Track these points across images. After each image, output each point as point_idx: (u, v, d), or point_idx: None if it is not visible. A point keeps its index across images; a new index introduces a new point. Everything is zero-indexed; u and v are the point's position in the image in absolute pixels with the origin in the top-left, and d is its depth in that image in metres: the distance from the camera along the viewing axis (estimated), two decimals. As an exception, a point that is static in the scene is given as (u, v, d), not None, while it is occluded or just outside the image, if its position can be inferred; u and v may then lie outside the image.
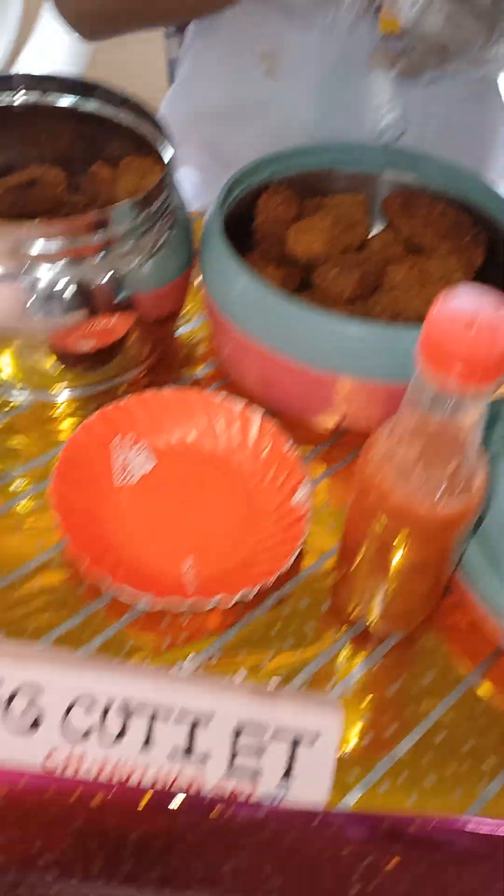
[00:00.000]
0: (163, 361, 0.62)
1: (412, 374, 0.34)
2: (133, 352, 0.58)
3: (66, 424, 0.58)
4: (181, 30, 0.80)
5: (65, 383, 0.58)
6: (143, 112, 0.57)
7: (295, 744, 0.40)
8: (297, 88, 0.70)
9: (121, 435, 0.54)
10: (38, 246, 0.49)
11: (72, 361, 0.56)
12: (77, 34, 0.65)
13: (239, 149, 0.64)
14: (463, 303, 0.29)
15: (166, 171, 0.53)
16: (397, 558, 0.41)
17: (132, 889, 0.44)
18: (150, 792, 0.42)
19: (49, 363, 0.56)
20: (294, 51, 0.67)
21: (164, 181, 0.52)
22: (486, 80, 0.64)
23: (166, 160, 0.54)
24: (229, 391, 0.56)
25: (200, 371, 0.62)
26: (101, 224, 0.50)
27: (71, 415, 0.58)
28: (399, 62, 0.55)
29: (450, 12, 0.51)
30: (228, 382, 0.60)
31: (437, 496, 0.36)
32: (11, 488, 0.54)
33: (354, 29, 0.62)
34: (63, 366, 0.56)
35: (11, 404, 0.58)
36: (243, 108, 0.70)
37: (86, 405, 0.59)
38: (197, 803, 0.42)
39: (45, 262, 0.50)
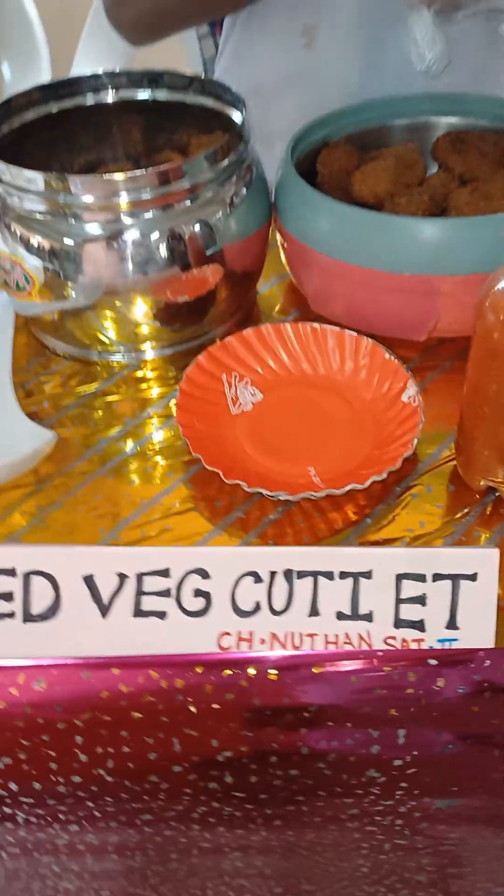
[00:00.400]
0: (248, 319, 0.66)
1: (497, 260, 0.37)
2: (223, 306, 0.62)
3: (171, 375, 0.62)
4: (214, 31, 0.87)
5: (162, 342, 0.62)
6: (210, 87, 0.63)
7: (455, 587, 0.42)
8: (337, 55, 0.75)
9: (228, 371, 0.57)
10: (130, 195, 0.54)
11: (168, 318, 0.60)
12: (126, 40, 0.72)
13: (281, 124, 0.69)
14: None
15: (241, 125, 0.58)
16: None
17: (309, 769, 0.45)
18: (320, 666, 0.44)
19: (148, 321, 0.60)
20: (332, 17, 0.73)
21: (241, 135, 0.57)
22: None
23: (239, 121, 0.59)
24: (320, 325, 0.60)
25: (285, 320, 0.65)
26: (185, 171, 0.54)
27: (166, 376, 0.62)
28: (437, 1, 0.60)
29: None
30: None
31: None
32: (133, 437, 0.57)
33: None
34: (160, 323, 0.60)
35: (119, 363, 0.62)
36: (284, 84, 0.76)
37: (183, 360, 0.62)
38: (367, 667, 0.43)
39: (137, 212, 0.54)
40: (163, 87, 0.66)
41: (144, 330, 0.60)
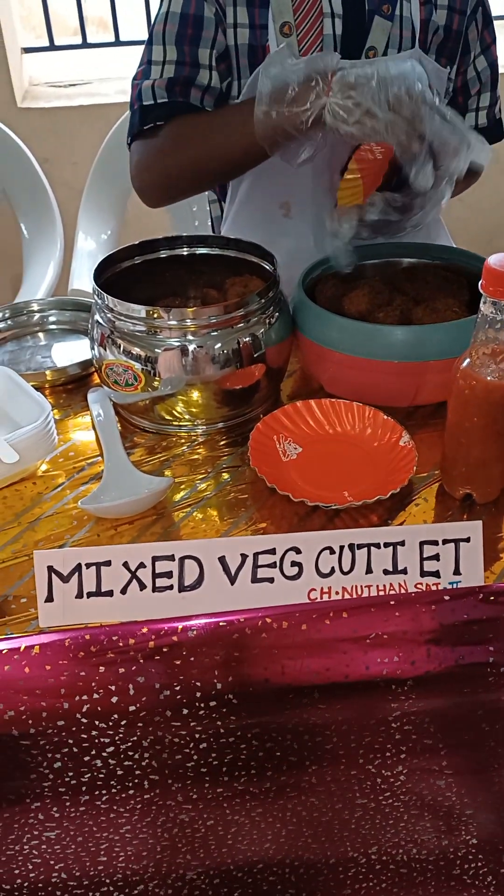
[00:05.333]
0: (277, 401, 0.92)
1: (454, 352, 0.65)
2: (263, 392, 0.88)
3: (227, 441, 0.86)
4: (220, 198, 1.18)
5: (220, 418, 0.87)
6: (242, 246, 0.91)
7: (457, 546, 0.66)
8: (306, 224, 1.07)
9: (277, 433, 0.83)
10: (207, 320, 0.80)
11: (227, 401, 0.86)
12: (146, 203, 1.03)
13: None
14: (499, 256, 0.61)
15: (275, 273, 0.86)
16: (482, 434, 0.70)
17: (367, 685, 0.67)
18: (375, 606, 0.66)
19: (213, 403, 0.85)
20: (300, 196, 1.06)
21: (275, 279, 0.85)
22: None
23: (271, 270, 0.87)
24: (333, 401, 0.87)
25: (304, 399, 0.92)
26: (244, 304, 0.81)
27: (229, 442, 0.87)
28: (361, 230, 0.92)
29: (382, 215, 0.88)
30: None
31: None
32: (215, 480, 0.81)
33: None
34: (220, 405, 0.86)
35: (197, 433, 0.87)
36: (271, 240, 1.06)
37: (237, 429, 0.87)
38: (406, 604, 0.66)
39: (210, 331, 0.81)
40: (207, 244, 0.94)
41: (209, 410, 0.85)
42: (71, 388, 0.96)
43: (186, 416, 0.85)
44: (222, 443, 0.87)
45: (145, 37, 2.09)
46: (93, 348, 0.88)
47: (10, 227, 1.64)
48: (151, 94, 0.99)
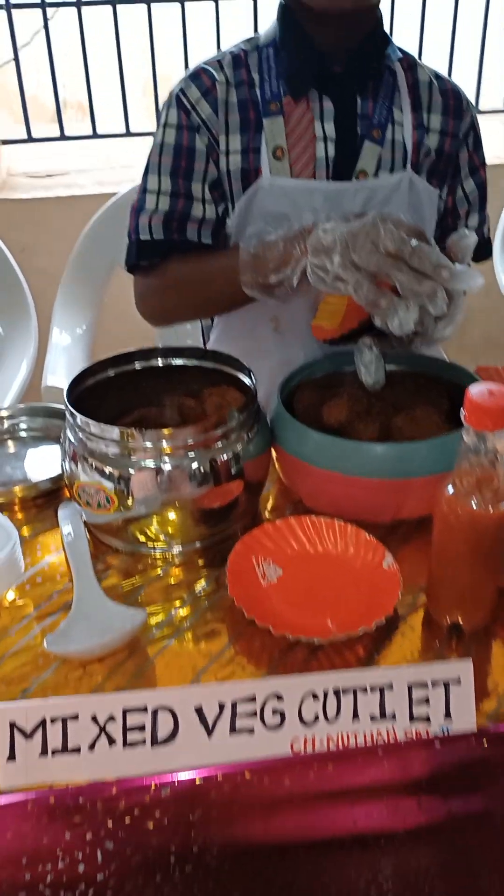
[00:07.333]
0: (256, 515, 0.89)
1: (436, 468, 0.62)
2: (242, 507, 0.85)
3: (205, 561, 0.83)
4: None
5: (197, 538, 0.83)
6: (220, 357, 0.89)
7: (447, 688, 0.63)
8: (294, 338, 1.07)
9: (256, 554, 0.79)
10: (186, 440, 0.77)
11: (206, 519, 0.82)
12: (150, 323, 1.02)
13: (258, 380, 0.96)
14: (479, 388, 0.59)
15: (254, 388, 0.84)
16: (468, 561, 0.67)
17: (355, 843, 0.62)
18: (362, 757, 0.62)
19: (189, 523, 0.81)
20: (290, 313, 1.05)
21: (253, 393, 0.83)
22: None
23: (249, 383, 0.85)
24: (313, 517, 0.83)
25: (283, 515, 0.89)
26: (222, 423, 0.79)
27: (207, 562, 0.83)
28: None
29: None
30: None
31: (490, 505, 0.63)
32: (192, 607, 0.77)
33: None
34: (197, 524, 0.82)
35: (172, 553, 0.83)
36: (258, 353, 1.05)
37: (216, 548, 0.84)
38: (395, 749, 0.62)
39: (188, 451, 0.78)
40: (183, 356, 0.92)
41: (185, 529, 0.82)
42: (41, 503, 0.92)
43: (161, 537, 0.82)
44: (200, 563, 0.83)
45: (123, 129, 2.13)
46: (64, 462, 0.85)
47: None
48: (148, 230, 1.01)
